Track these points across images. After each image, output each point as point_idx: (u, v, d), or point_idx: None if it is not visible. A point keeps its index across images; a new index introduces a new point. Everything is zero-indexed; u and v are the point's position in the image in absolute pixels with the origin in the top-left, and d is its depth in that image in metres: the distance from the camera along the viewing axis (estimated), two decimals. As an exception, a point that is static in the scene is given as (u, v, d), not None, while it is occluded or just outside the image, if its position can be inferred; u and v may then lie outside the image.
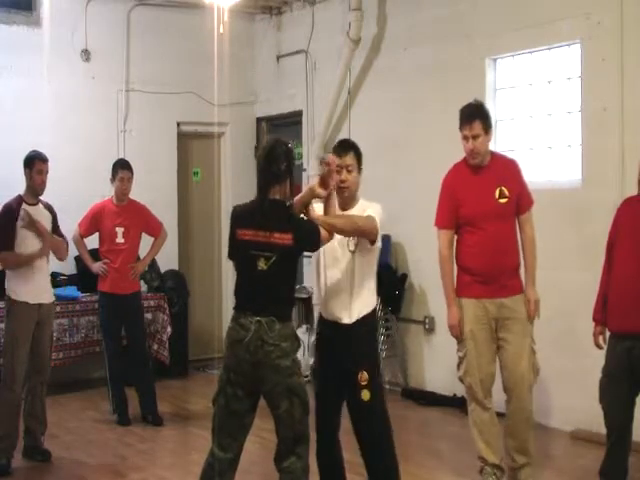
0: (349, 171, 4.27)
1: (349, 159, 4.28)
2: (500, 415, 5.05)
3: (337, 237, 4.20)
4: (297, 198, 4.06)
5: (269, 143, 4.09)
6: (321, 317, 4.42)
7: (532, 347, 4.98)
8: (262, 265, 3.90)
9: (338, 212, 4.23)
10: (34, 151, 5.74)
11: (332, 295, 4.29)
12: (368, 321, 4.31)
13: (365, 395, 4.18)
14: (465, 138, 4.90)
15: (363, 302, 4.28)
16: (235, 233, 4.00)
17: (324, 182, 4.05)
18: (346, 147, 4.35)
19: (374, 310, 4.37)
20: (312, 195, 4.07)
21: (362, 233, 4.19)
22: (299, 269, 8.84)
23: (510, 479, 4.97)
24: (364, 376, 4.18)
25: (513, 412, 4.91)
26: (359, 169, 4.33)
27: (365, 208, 4.28)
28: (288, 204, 3.98)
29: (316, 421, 4.30)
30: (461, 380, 5.03)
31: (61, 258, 5.95)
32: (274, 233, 3.88)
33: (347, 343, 4.24)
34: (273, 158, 3.96)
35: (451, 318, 4.96)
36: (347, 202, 4.33)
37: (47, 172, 5.70)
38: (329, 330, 4.33)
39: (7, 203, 5.67)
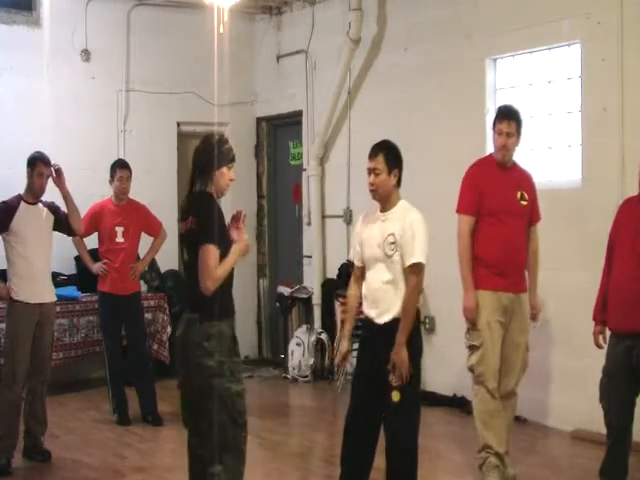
0: (376, 174, 4.33)
1: (375, 162, 4.34)
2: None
3: (376, 239, 4.33)
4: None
5: (202, 137, 4.10)
6: (363, 319, 4.48)
7: (527, 343, 5.17)
8: (185, 255, 3.95)
9: (378, 214, 4.38)
10: (38, 152, 5.67)
11: (369, 294, 4.39)
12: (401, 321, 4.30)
13: (395, 396, 4.21)
14: (499, 133, 5.08)
15: (397, 304, 4.29)
16: None
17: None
18: (375, 150, 4.40)
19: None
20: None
21: (419, 295, 4.33)
22: (298, 268, 8.91)
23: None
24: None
25: (501, 400, 5.07)
26: (391, 171, 4.34)
27: (405, 214, 4.32)
28: (208, 193, 3.95)
29: (345, 426, 4.40)
30: (471, 369, 5.09)
31: (78, 228, 5.86)
32: (189, 221, 3.88)
33: (380, 343, 4.28)
34: (199, 151, 4.01)
35: (468, 301, 5.03)
36: (383, 205, 4.40)
37: (48, 176, 5.62)
38: (365, 329, 4.46)
39: (6, 201, 5.65)
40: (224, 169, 3.96)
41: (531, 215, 5.23)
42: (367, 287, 4.43)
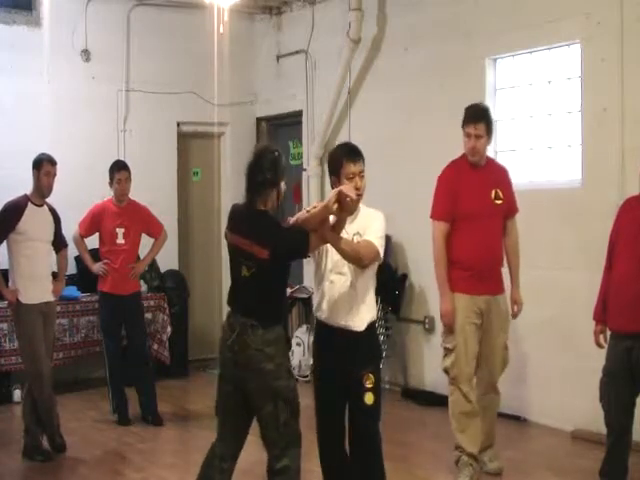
0: (362, 177, 4.11)
1: (363, 165, 4.13)
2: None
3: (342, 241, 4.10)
4: (310, 216, 3.88)
5: (257, 151, 4.10)
6: (321, 321, 4.24)
7: (506, 342, 5.21)
8: (245, 272, 3.92)
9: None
10: (43, 154, 5.78)
11: (337, 300, 4.12)
12: (374, 326, 4.26)
13: (369, 398, 4.15)
14: (468, 136, 5.09)
15: (369, 308, 4.19)
16: (227, 235, 4.07)
17: (342, 206, 3.83)
18: (359, 153, 4.17)
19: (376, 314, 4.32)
20: (327, 212, 3.86)
21: (360, 262, 4.02)
22: (299, 268, 8.91)
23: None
24: (370, 379, 4.15)
25: (482, 399, 5.15)
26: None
27: (369, 216, 4.14)
28: (273, 215, 3.96)
29: (317, 422, 4.29)
30: (446, 371, 5.14)
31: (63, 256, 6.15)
32: (254, 245, 3.87)
33: (355, 348, 4.14)
34: (259, 167, 3.99)
35: (445, 305, 5.06)
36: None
37: (55, 175, 5.73)
38: (333, 336, 4.17)
39: (14, 201, 5.69)
40: (282, 183, 4.02)
41: (507, 210, 5.22)
42: (331, 292, 4.14)
